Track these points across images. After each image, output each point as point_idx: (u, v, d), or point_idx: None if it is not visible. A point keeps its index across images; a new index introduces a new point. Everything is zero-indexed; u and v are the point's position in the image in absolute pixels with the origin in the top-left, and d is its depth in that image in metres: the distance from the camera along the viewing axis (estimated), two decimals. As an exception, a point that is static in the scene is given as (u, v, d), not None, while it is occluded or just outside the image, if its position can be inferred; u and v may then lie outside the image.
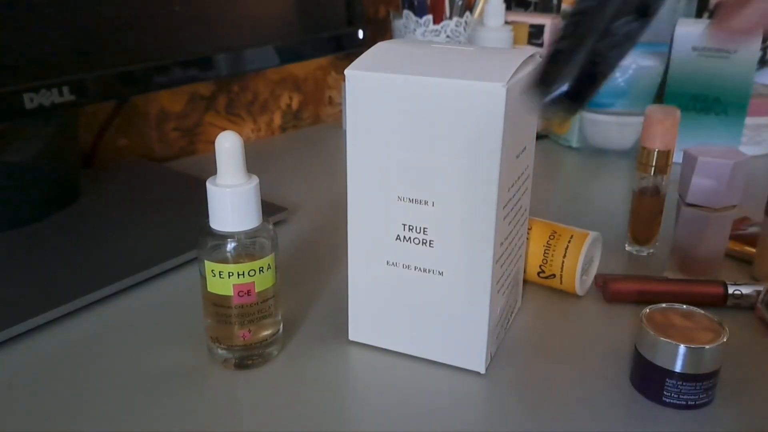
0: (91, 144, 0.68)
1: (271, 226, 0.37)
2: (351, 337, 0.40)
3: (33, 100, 0.44)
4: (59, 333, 0.41)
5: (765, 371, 0.39)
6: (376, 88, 0.34)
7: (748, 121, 0.72)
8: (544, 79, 0.24)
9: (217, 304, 0.36)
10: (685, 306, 0.38)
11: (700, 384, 0.35)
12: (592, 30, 0.24)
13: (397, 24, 0.75)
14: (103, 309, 0.44)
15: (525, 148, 0.37)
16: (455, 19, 0.73)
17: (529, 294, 0.46)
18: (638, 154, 0.50)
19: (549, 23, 0.77)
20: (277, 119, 0.86)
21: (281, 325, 0.39)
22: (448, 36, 0.74)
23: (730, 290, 0.44)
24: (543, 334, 0.42)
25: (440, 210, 0.35)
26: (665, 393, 0.35)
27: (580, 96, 0.24)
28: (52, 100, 0.45)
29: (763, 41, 0.79)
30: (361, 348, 0.40)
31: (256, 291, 0.36)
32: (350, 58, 0.38)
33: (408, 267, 0.37)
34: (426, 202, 0.35)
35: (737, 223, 0.53)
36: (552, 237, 0.45)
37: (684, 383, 0.35)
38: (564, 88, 0.24)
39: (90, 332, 0.41)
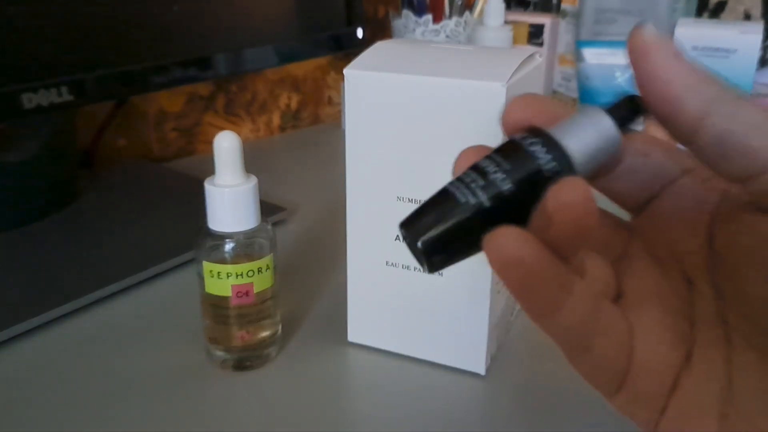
0: (90, 144, 0.68)
1: (269, 227, 0.37)
2: (350, 338, 0.40)
3: (31, 100, 0.44)
4: (58, 333, 0.41)
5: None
6: (376, 88, 0.34)
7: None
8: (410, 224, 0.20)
9: (216, 305, 0.36)
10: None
11: (701, 385, 0.34)
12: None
13: (397, 23, 0.75)
14: (101, 309, 0.43)
15: (525, 148, 0.37)
16: (455, 18, 0.73)
17: (528, 294, 0.46)
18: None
19: (549, 22, 0.77)
20: (276, 119, 0.86)
21: (280, 326, 0.39)
22: (447, 36, 0.74)
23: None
24: (543, 334, 0.42)
25: (440, 210, 0.35)
26: (666, 394, 0.35)
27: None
28: (51, 100, 0.45)
29: (764, 41, 0.79)
30: (360, 349, 0.40)
31: (255, 292, 0.36)
32: (349, 57, 0.38)
33: (408, 267, 0.37)
34: (425, 203, 0.35)
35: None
36: (552, 237, 0.45)
37: (684, 384, 0.34)
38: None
39: (87, 333, 0.41)
